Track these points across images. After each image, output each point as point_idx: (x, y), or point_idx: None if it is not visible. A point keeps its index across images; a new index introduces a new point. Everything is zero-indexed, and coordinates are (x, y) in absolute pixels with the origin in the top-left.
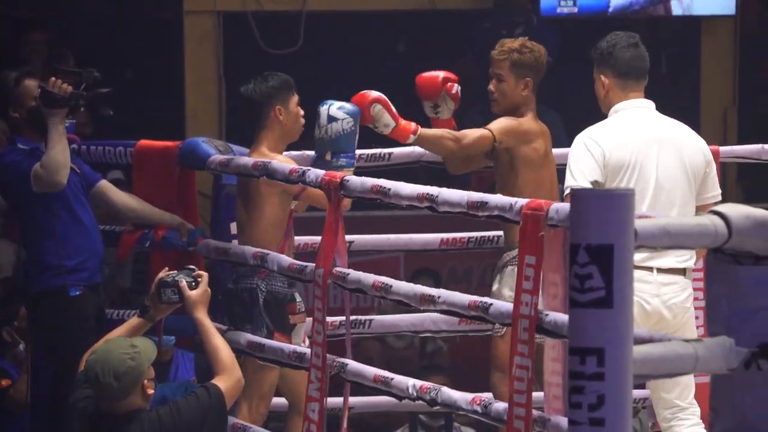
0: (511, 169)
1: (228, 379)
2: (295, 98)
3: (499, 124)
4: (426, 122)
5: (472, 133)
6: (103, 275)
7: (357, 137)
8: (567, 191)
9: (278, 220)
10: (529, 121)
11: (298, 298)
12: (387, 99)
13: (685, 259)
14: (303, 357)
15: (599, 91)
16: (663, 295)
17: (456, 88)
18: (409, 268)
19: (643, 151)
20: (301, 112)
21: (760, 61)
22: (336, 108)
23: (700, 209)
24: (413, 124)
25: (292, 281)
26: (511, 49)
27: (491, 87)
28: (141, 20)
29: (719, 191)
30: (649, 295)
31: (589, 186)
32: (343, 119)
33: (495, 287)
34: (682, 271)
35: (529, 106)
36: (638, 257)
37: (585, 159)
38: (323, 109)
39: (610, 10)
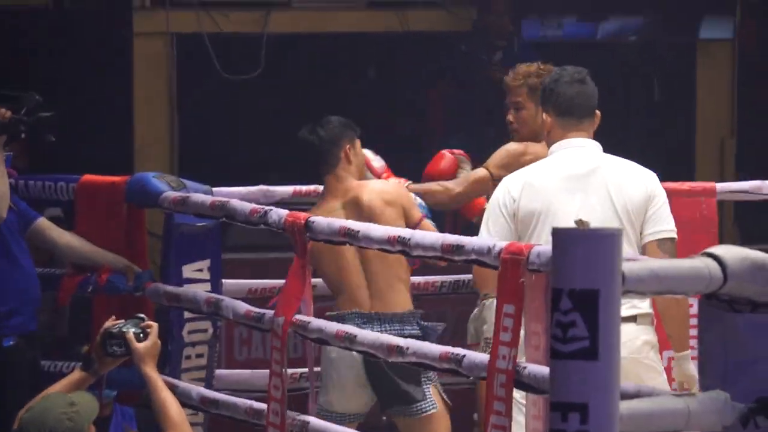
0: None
1: None
2: (358, 139)
3: (498, 158)
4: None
5: (467, 178)
6: (39, 323)
7: None
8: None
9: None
10: (536, 146)
11: None
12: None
13: (633, 304)
14: (261, 413)
15: (543, 130)
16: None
17: (457, 151)
18: None
19: (560, 197)
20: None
21: (760, 88)
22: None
23: (647, 249)
24: (399, 181)
25: None
26: (528, 73)
27: (510, 117)
28: (86, 41)
29: (670, 226)
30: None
31: (487, 234)
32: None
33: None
34: (632, 318)
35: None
36: None
37: (492, 211)
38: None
39: (599, 35)
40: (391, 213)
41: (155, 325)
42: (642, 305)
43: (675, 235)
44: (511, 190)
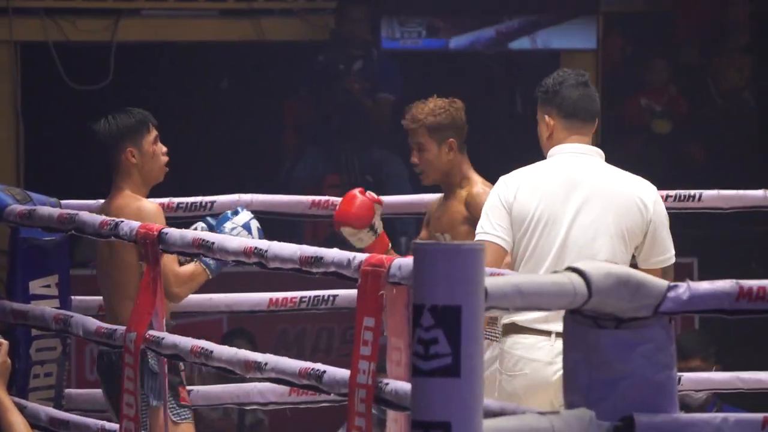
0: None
1: None
2: (151, 136)
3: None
4: (262, 157)
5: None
6: None
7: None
8: (478, 236)
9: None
10: (484, 184)
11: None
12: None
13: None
14: None
15: (542, 133)
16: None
17: (369, 193)
18: None
19: (555, 203)
20: (163, 149)
21: (623, 100)
22: (257, 227)
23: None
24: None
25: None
26: (425, 113)
27: (414, 159)
28: None
29: (670, 253)
30: (542, 364)
31: (498, 236)
32: (254, 239)
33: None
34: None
35: (462, 167)
36: (530, 317)
37: (494, 204)
38: (248, 214)
39: (458, 44)
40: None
41: (5, 343)
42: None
43: (674, 260)
44: (509, 187)
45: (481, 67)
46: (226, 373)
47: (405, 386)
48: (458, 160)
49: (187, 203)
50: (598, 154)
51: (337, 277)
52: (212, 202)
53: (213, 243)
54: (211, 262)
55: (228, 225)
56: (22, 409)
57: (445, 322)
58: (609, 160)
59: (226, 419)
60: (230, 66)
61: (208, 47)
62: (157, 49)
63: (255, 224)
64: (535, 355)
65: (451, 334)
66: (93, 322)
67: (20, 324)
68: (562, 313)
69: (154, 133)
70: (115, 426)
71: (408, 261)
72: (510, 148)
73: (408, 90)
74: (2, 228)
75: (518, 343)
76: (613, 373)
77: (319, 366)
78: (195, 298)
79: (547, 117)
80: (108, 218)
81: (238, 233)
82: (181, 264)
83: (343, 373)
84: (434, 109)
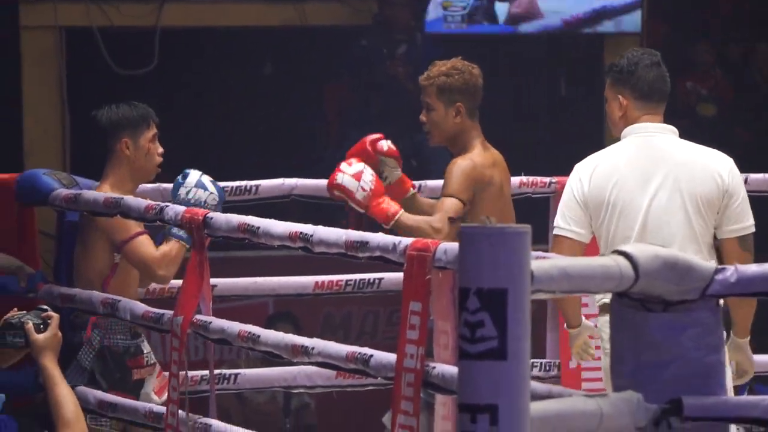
0: (471, 211)
1: None
2: (150, 133)
3: (458, 182)
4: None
5: (444, 213)
6: None
7: None
8: (554, 231)
9: (109, 271)
10: (479, 155)
11: (146, 350)
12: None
13: None
14: (161, 417)
15: (614, 113)
16: None
17: (386, 144)
18: None
19: (631, 185)
20: (159, 149)
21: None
22: (209, 180)
23: (726, 246)
24: (394, 206)
25: (136, 332)
26: (438, 73)
27: (422, 117)
28: None
29: (749, 222)
30: None
31: (572, 230)
32: (211, 193)
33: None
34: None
35: (469, 134)
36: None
37: (568, 198)
38: (195, 172)
39: (504, 28)
40: (94, 234)
41: (56, 316)
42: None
43: (754, 229)
44: (582, 177)
45: (524, 51)
46: (272, 358)
47: (452, 370)
48: (466, 126)
49: (231, 187)
50: (671, 131)
51: (383, 262)
52: (256, 186)
53: (258, 228)
54: (182, 233)
55: (182, 191)
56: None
57: (491, 306)
58: None
59: (272, 403)
60: (273, 51)
61: (252, 32)
62: (200, 34)
63: (206, 179)
64: None
65: (497, 317)
66: (140, 306)
67: (67, 308)
68: None
69: (153, 130)
70: (163, 409)
71: (453, 245)
72: (554, 130)
73: None
74: (49, 212)
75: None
76: (660, 355)
77: (367, 350)
78: (241, 282)
79: (620, 97)
80: (154, 203)
81: (194, 194)
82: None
83: (390, 357)
84: (448, 70)
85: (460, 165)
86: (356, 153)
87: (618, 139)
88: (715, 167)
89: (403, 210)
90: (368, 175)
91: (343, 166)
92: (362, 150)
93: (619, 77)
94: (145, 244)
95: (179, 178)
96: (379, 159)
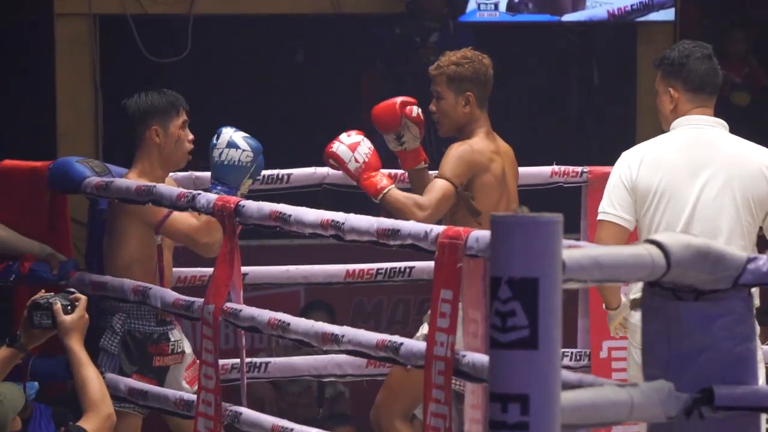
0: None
1: (95, 417)
2: (179, 120)
3: (452, 166)
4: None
5: (434, 197)
6: None
7: (247, 179)
8: (600, 216)
9: (142, 257)
10: (480, 143)
11: (174, 337)
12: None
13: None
14: (191, 405)
15: (665, 105)
16: None
17: (416, 110)
18: None
19: (680, 176)
20: (189, 137)
21: None
22: (241, 136)
23: None
24: (384, 180)
25: (164, 319)
26: (449, 62)
27: (432, 107)
28: (4, 23)
29: None
30: None
31: (619, 216)
32: (244, 150)
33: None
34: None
35: (476, 123)
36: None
37: (615, 183)
38: (227, 131)
39: (536, 17)
40: (126, 220)
41: (84, 298)
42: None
43: None
44: (631, 164)
45: (557, 39)
46: (302, 346)
47: (482, 358)
48: (475, 116)
49: (263, 176)
50: (721, 125)
51: (414, 250)
52: (288, 175)
53: (290, 215)
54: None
55: (215, 153)
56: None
57: (522, 295)
58: None
59: (307, 392)
60: (306, 39)
61: (284, 20)
62: (233, 22)
63: (238, 136)
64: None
65: (528, 307)
66: (171, 294)
67: (99, 295)
68: None
69: (183, 117)
70: (193, 396)
71: (485, 233)
72: (587, 120)
73: None
74: (81, 200)
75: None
76: (692, 345)
77: (397, 338)
78: (272, 270)
79: (671, 90)
80: (186, 190)
81: (227, 155)
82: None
83: (421, 345)
84: (458, 59)
85: (456, 149)
86: (384, 108)
87: (661, 131)
88: (765, 164)
89: (394, 186)
90: (365, 147)
91: (343, 136)
92: (390, 108)
93: (670, 70)
94: (182, 217)
95: (213, 139)
96: (403, 122)
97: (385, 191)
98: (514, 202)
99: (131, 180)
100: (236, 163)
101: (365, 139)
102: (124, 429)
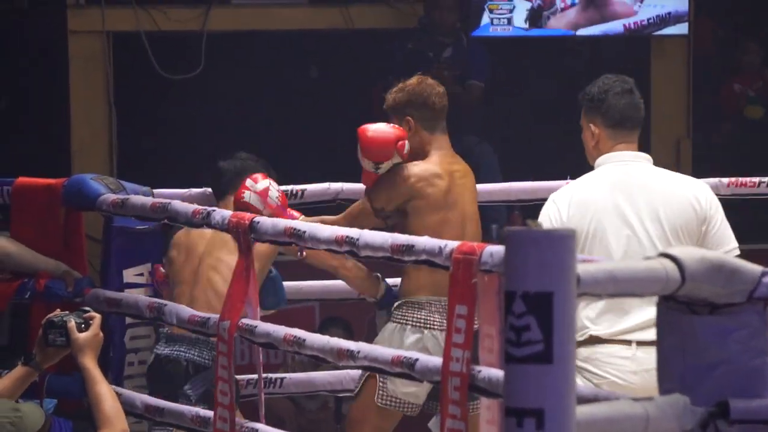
0: (405, 217)
1: None
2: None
3: (377, 189)
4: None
5: (350, 214)
6: None
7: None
8: None
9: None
10: (418, 167)
11: None
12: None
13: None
14: (207, 422)
15: (587, 142)
16: (646, 373)
17: (406, 146)
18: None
19: (608, 215)
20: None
21: (715, 86)
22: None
23: None
24: (295, 214)
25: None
26: (391, 91)
27: None
28: (19, 40)
29: (731, 246)
30: (629, 373)
31: None
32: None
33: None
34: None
35: (429, 146)
36: (610, 329)
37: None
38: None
39: (551, 31)
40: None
41: (98, 316)
42: None
43: (738, 252)
44: (560, 207)
45: (570, 54)
46: (318, 362)
47: (498, 373)
48: (423, 139)
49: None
50: (646, 159)
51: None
52: (303, 191)
53: (304, 232)
54: None
55: (271, 193)
56: (117, 396)
57: (537, 309)
58: (701, 147)
59: (325, 410)
60: (319, 55)
61: (298, 36)
62: (246, 39)
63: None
64: (618, 364)
65: (543, 321)
66: (186, 311)
67: (114, 312)
68: (644, 323)
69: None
70: (210, 413)
71: (499, 248)
72: None
73: (497, 76)
74: (96, 217)
75: (599, 351)
76: (707, 359)
77: (412, 354)
78: (287, 286)
79: (592, 126)
80: (200, 207)
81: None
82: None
83: (436, 360)
84: (399, 87)
85: (391, 173)
86: (379, 141)
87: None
88: (692, 194)
89: (302, 216)
90: (274, 191)
91: (249, 182)
92: (386, 143)
93: (590, 105)
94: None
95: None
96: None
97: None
98: (470, 221)
99: (145, 197)
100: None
101: (272, 182)
102: None
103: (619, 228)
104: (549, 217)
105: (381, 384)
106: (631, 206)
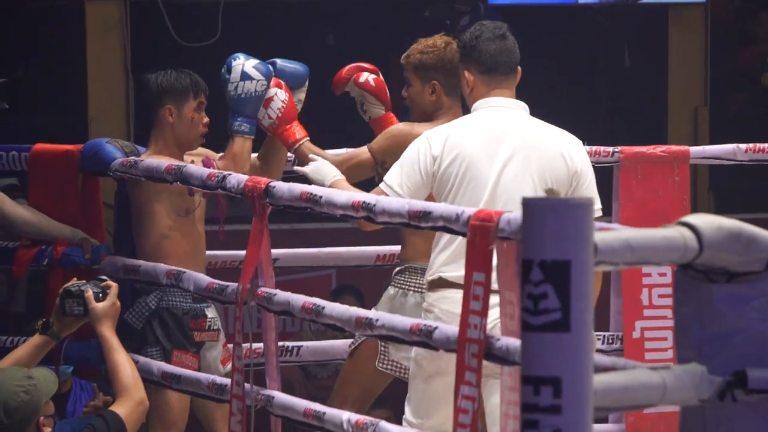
0: None
1: (128, 402)
2: (194, 102)
3: (382, 141)
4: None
5: (350, 159)
6: None
7: (300, 90)
8: (384, 187)
9: (173, 231)
10: (425, 127)
11: (210, 314)
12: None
13: None
14: (224, 389)
15: (464, 89)
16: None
17: (368, 77)
18: None
19: (479, 159)
20: (204, 120)
21: (733, 54)
22: (252, 65)
23: None
24: (300, 132)
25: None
26: (415, 50)
27: (403, 92)
28: (36, 7)
29: (597, 206)
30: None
31: (399, 190)
32: (258, 80)
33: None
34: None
35: (443, 111)
36: (460, 273)
37: (411, 162)
38: (237, 63)
39: None
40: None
41: (115, 285)
42: None
43: (601, 213)
44: (432, 147)
45: (587, 21)
46: (336, 330)
47: (515, 342)
48: (442, 103)
49: (294, 158)
50: (521, 107)
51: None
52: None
53: (321, 197)
54: (243, 127)
55: (230, 87)
56: (134, 363)
57: (554, 277)
58: (718, 115)
59: (335, 377)
60: (336, 22)
61: (315, 3)
62: (263, 6)
63: (249, 65)
64: (451, 308)
65: (560, 289)
66: (204, 278)
67: (131, 279)
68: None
69: (199, 100)
70: (226, 380)
71: (516, 216)
72: (617, 101)
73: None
74: (114, 184)
75: (446, 297)
76: (725, 327)
77: (430, 322)
78: (303, 253)
79: (466, 73)
80: (216, 171)
81: (242, 89)
82: (190, 194)
83: (454, 329)
84: (424, 47)
85: (394, 128)
86: (338, 73)
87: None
88: (565, 148)
89: (308, 139)
90: (278, 102)
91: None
92: (339, 73)
93: (463, 52)
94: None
95: (223, 71)
96: (355, 90)
97: (297, 145)
98: None
99: (158, 160)
100: (252, 94)
101: (280, 91)
102: (167, 403)
103: (487, 172)
104: (418, 157)
105: (382, 349)
106: (500, 152)
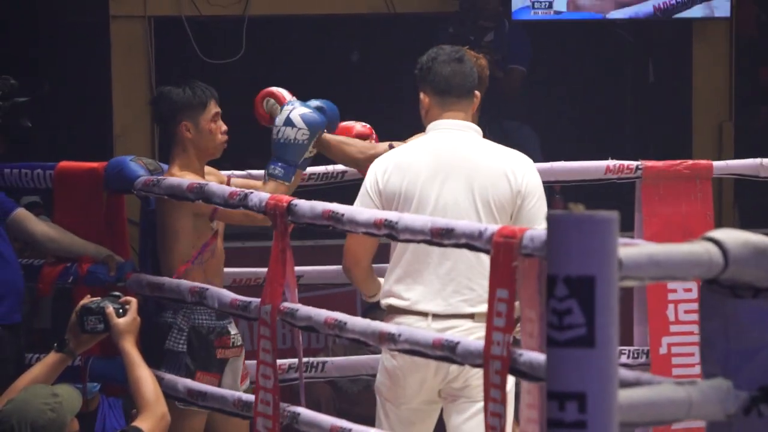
0: None
1: (150, 416)
2: (209, 114)
3: (405, 141)
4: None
5: (375, 148)
6: (23, 314)
7: (308, 153)
8: None
9: (195, 248)
10: None
11: (233, 331)
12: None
13: (470, 299)
14: (249, 406)
15: (421, 111)
16: None
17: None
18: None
19: (422, 178)
20: (222, 128)
21: (757, 69)
22: (299, 113)
23: None
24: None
25: (222, 313)
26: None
27: None
28: (61, 25)
29: (542, 226)
30: None
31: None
32: (299, 129)
33: None
34: (469, 316)
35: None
36: (407, 302)
37: (364, 192)
38: (287, 108)
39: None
40: (176, 213)
41: (134, 300)
42: (482, 306)
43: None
44: (377, 170)
45: (612, 37)
46: (360, 345)
47: (539, 357)
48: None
49: (318, 173)
50: (473, 129)
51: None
52: (343, 172)
53: (343, 215)
54: (278, 171)
55: (273, 131)
56: (159, 380)
57: (579, 293)
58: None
59: (367, 392)
60: (360, 39)
61: (339, 20)
62: (287, 23)
63: (296, 114)
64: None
65: (585, 305)
66: (228, 294)
67: (156, 296)
68: (437, 293)
69: (213, 110)
70: (251, 397)
71: (540, 233)
72: (641, 116)
73: (538, 60)
74: (135, 200)
75: (398, 323)
76: (750, 342)
77: (453, 337)
78: (328, 270)
79: (422, 94)
80: (237, 189)
81: (283, 134)
82: (211, 220)
83: (477, 344)
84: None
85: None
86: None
87: None
88: (509, 168)
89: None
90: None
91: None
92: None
93: (420, 74)
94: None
95: (277, 116)
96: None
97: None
98: None
99: (182, 178)
100: (292, 141)
101: (298, 107)
102: (189, 428)
103: (429, 191)
104: (369, 183)
105: None
106: (443, 172)
